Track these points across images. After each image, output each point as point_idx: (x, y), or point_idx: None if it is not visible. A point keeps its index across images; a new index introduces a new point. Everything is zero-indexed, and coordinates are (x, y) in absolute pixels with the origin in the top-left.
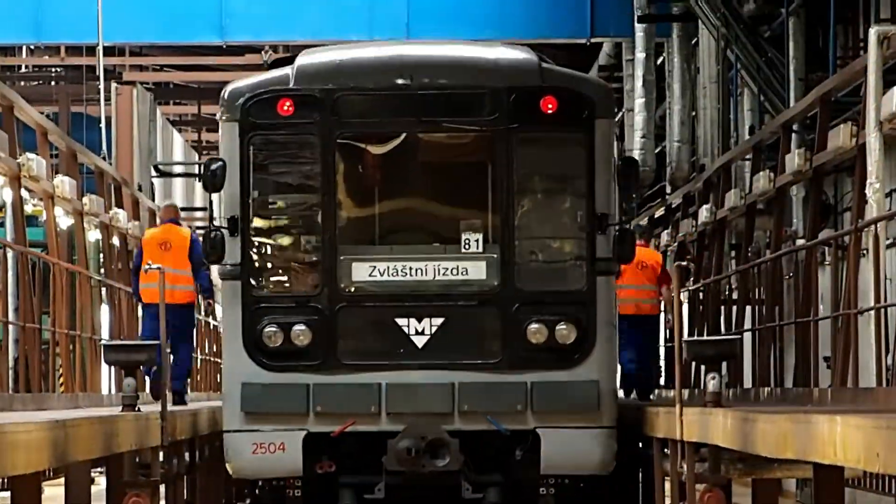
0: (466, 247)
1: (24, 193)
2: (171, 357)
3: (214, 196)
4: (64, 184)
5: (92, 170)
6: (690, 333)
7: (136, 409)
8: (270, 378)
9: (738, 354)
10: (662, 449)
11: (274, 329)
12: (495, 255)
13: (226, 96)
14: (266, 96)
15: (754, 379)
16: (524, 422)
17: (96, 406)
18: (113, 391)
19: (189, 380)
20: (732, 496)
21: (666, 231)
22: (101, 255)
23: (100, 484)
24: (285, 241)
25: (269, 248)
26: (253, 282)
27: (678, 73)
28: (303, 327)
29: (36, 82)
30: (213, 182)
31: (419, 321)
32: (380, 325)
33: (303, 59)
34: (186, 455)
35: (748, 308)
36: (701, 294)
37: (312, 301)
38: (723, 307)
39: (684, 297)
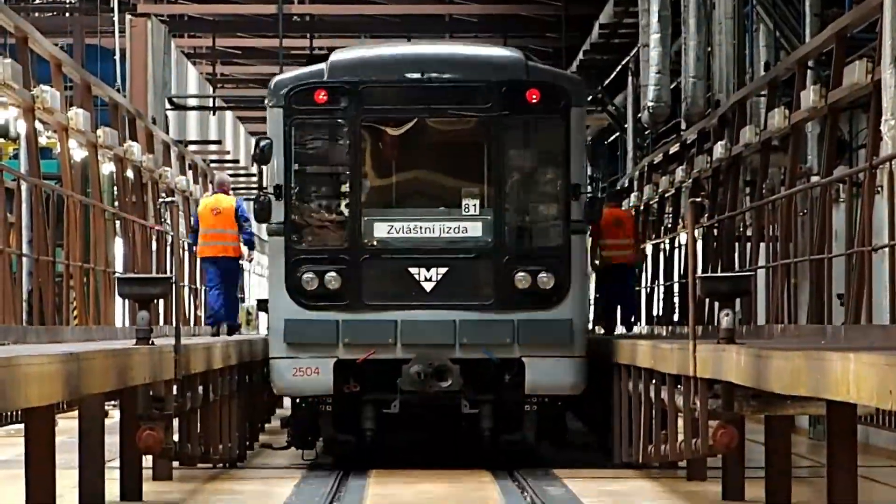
0: (466, 210)
1: (38, 125)
2: (224, 297)
3: (263, 167)
4: (78, 116)
5: (106, 102)
6: (704, 270)
7: (150, 342)
8: (307, 315)
9: (751, 291)
10: (675, 385)
11: (311, 276)
12: (489, 217)
13: (272, 87)
14: (305, 87)
15: (768, 316)
16: (512, 352)
17: (110, 339)
18: (127, 324)
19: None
20: (745, 433)
21: (681, 167)
22: (115, 188)
23: (113, 417)
24: (320, 204)
25: (307, 210)
26: (294, 237)
27: (694, 9)
28: (334, 274)
29: (50, 14)
30: (262, 157)
31: (427, 270)
32: (395, 272)
33: (335, 57)
34: (200, 389)
35: (762, 245)
36: (715, 230)
37: (342, 253)
38: (737, 244)
39: (698, 233)
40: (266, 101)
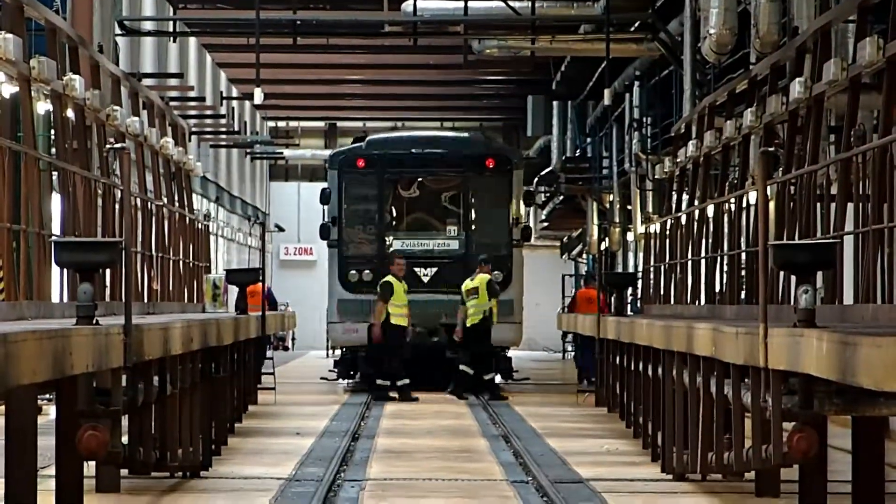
0: (449, 233)
1: None
2: None
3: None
4: (7, 43)
5: (42, 26)
6: (778, 236)
7: (94, 321)
8: (352, 297)
9: (836, 262)
10: (742, 378)
11: (354, 272)
12: (463, 237)
13: (330, 157)
14: (350, 156)
15: (856, 294)
16: None
17: (44, 317)
18: (65, 299)
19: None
20: (828, 438)
21: (750, 109)
22: (53, 132)
23: (49, 414)
24: (360, 228)
25: (351, 232)
26: (343, 249)
27: None
28: (368, 271)
29: None
30: (324, 199)
31: (425, 269)
32: (406, 270)
33: (370, 139)
34: (156, 380)
35: (850, 206)
36: (792, 188)
37: (373, 258)
38: (819, 204)
39: (771, 191)
40: (326, 164)
